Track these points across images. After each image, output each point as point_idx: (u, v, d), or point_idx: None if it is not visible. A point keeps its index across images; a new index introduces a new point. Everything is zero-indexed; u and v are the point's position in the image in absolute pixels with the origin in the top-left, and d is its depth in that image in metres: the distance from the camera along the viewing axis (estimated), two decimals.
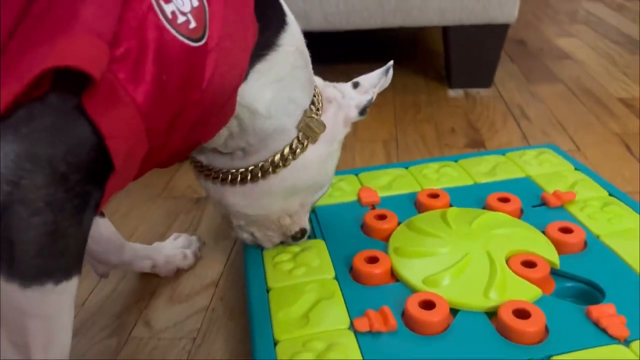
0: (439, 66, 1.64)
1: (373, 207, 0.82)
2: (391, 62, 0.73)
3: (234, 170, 0.66)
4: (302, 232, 0.73)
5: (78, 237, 0.43)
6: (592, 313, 0.58)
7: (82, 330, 0.71)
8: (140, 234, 0.90)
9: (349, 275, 0.68)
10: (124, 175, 0.45)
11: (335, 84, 0.73)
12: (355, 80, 0.73)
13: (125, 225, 0.92)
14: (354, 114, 0.70)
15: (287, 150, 0.65)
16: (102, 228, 0.74)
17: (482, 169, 0.91)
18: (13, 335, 0.42)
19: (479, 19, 1.36)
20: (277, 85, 0.61)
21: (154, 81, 0.42)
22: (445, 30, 1.45)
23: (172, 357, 0.67)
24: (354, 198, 0.85)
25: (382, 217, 0.77)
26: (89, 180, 0.42)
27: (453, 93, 1.47)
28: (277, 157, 0.65)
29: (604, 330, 0.57)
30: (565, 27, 2.08)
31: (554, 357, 0.54)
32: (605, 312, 0.58)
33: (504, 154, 0.96)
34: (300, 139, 0.65)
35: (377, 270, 0.67)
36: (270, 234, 0.72)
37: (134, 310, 0.75)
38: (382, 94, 1.50)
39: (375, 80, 0.72)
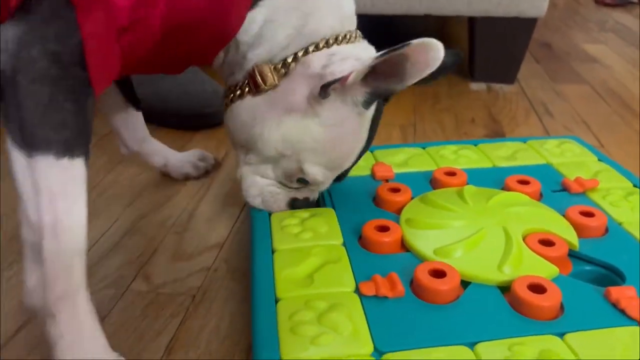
0: (463, 63, 1.61)
1: (387, 182, 0.79)
2: (422, 41, 0.54)
3: None
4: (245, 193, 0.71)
5: (76, 113, 0.49)
6: (612, 294, 0.55)
7: None
8: (147, 195, 0.88)
9: (357, 243, 0.66)
10: (106, 63, 0.52)
11: (347, 54, 0.63)
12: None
13: (134, 185, 0.90)
14: (316, 91, 0.61)
15: (228, 90, 0.67)
16: (133, 117, 0.88)
17: (501, 154, 0.88)
18: (28, 211, 0.49)
19: (507, 11, 1.33)
20: (269, 26, 0.62)
21: None
22: (472, 21, 1.42)
23: (168, 312, 0.65)
24: (367, 172, 0.82)
25: (395, 190, 0.75)
26: (81, 64, 0.49)
27: (475, 87, 1.44)
28: (225, 94, 0.68)
29: (622, 311, 0.54)
30: (593, 34, 2.05)
31: (569, 334, 0.51)
32: (625, 293, 0.55)
33: (525, 142, 0.93)
34: (241, 85, 0.65)
35: (386, 238, 0.64)
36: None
37: (134, 264, 0.73)
38: None
39: (376, 55, 0.57)
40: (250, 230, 0.70)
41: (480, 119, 1.23)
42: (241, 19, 0.61)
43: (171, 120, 1.14)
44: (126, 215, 0.84)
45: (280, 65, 0.62)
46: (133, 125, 0.88)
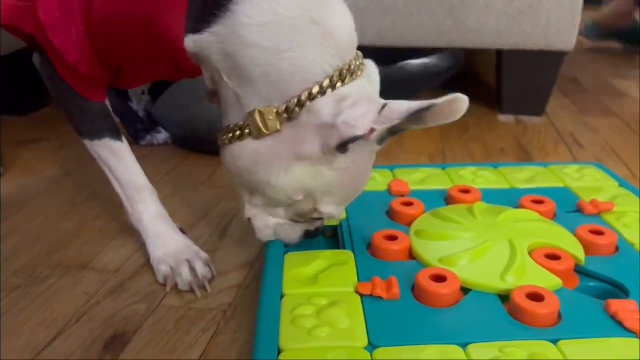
0: (490, 95, 1.62)
1: (401, 197, 0.81)
2: (449, 97, 0.52)
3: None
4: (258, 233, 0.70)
5: (81, 114, 0.74)
6: (611, 306, 0.56)
7: (113, 294, 0.72)
8: (180, 216, 0.90)
9: (366, 251, 0.69)
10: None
11: (357, 96, 0.57)
12: (386, 102, 0.56)
13: (166, 206, 0.92)
14: (332, 143, 0.56)
15: (226, 130, 0.63)
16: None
17: (520, 176, 0.89)
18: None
19: (536, 44, 1.35)
20: (230, 59, 0.59)
21: None
22: (499, 54, 1.44)
23: (200, 326, 0.66)
24: (384, 188, 0.85)
25: (408, 204, 0.77)
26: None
27: (503, 118, 1.45)
28: (221, 132, 0.64)
29: (620, 323, 0.54)
30: (621, 69, 2.04)
31: (562, 341, 0.52)
32: (625, 306, 0.56)
33: (546, 166, 0.94)
34: (241, 126, 0.61)
35: (394, 246, 0.67)
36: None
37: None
38: None
39: (403, 111, 0.54)
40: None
41: (510, 149, 1.24)
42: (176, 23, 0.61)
43: (202, 145, 1.17)
44: None
45: (283, 110, 0.58)
46: None
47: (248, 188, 0.66)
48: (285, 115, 0.58)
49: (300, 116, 0.58)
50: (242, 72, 0.59)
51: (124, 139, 0.76)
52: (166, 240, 0.76)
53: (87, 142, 0.75)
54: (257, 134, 0.59)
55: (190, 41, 0.61)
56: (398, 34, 1.37)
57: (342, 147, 0.56)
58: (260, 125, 0.59)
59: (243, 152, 0.62)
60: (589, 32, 2.33)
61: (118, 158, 0.76)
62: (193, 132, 1.18)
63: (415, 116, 0.53)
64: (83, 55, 0.67)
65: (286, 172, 0.61)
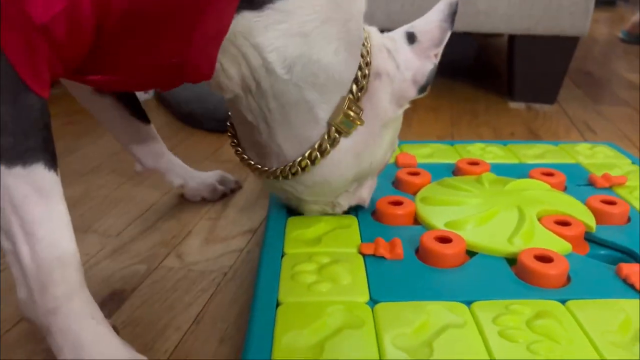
0: (501, 83, 1.61)
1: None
2: None
3: (272, 170, 0.61)
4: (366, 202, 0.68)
5: (15, 117, 0.42)
6: (623, 270, 0.54)
7: (113, 255, 0.72)
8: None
9: (370, 217, 0.67)
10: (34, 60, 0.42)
11: (387, 39, 0.61)
12: (409, 30, 0.61)
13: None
14: (411, 93, 0.60)
15: (314, 152, 0.58)
16: (143, 132, 0.78)
17: (530, 153, 0.88)
18: (2, 222, 0.43)
19: (548, 30, 1.33)
20: (301, 41, 0.51)
21: None
22: (511, 39, 1.42)
23: (199, 287, 0.65)
24: (390, 161, 0.83)
25: (415, 174, 0.76)
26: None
27: (514, 106, 1.43)
28: (305, 158, 0.58)
29: (631, 286, 0.53)
30: (634, 64, 2.03)
31: (571, 301, 0.50)
32: (636, 270, 0.54)
33: (556, 145, 0.92)
34: (330, 134, 0.57)
35: (399, 211, 0.66)
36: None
37: (168, 244, 0.74)
38: (438, 101, 1.46)
39: (437, 35, 0.59)
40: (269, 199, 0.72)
41: (520, 134, 1.23)
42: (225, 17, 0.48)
43: (209, 123, 1.16)
44: (162, 202, 0.87)
45: (356, 90, 0.56)
46: (144, 140, 0.79)
47: (345, 185, 0.63)
48: (359, 93, 0.57)
49: (370, 85, 0.58)
50: (308, 60, 0.52)
51: (57, 170, 0.46)
52: (94, 352, 0.46)
53: None
54: (350, 132, 0.58)
55: (243, 21, 0.49)
56: (408, 17, 1.34)
57: (424, 88, 0.60)
58: (357, 121, 0.57)
59: (343, 155, 0.59)
60: (627, 38, 2.55)
61: (44, 202, 0.44)
62: (202, 110, 1.17)
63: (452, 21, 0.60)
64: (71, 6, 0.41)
65: (383, 143, 0.62)
